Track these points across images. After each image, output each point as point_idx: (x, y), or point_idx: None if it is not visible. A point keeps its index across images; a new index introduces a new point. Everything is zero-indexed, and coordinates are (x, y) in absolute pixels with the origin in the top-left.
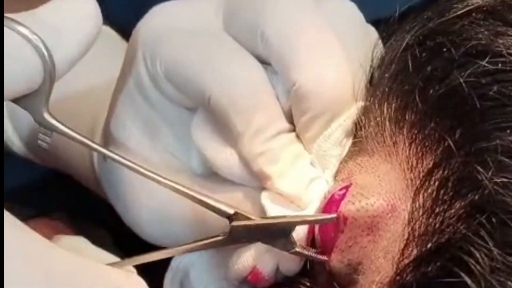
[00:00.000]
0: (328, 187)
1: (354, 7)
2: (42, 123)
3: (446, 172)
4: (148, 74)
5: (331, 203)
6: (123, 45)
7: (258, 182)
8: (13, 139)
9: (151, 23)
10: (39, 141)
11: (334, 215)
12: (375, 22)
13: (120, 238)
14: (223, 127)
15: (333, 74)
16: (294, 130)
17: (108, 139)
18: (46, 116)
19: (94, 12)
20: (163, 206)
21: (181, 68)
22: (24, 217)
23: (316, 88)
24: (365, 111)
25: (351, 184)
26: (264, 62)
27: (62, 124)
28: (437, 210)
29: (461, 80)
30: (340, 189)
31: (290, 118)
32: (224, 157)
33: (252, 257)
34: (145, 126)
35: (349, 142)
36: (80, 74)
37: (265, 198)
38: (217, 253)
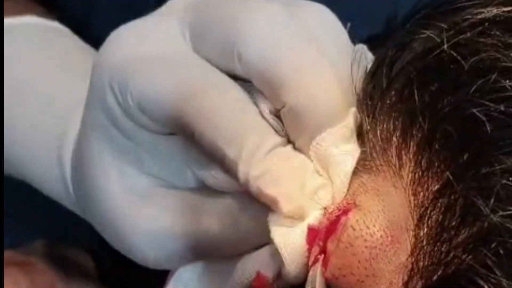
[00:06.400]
0: (332, 199)
1: (328, 12)
2: None
3: (452, 197)
4: (119, 106)
5: (333, 225)
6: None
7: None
8: None
9: (113, 51)
10: None
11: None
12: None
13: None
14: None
15: (323, 91)
16: (288, 141)
17: (86, 176)
18: None
19: None
20: (166, 228)
21: (156, 101)
22: None
23: (308, 108)
24: (371, 126)
25: (354, 206)
26: (239, 79)
27: None
28: (442, 238)
29: (464, 100)
30: (344, 211)
31: (280, 132)
32: (211, 176)
33: (256, 263)
34: (125, 156)
35: (347, 146)
36: (38, 77)
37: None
38: (218, 265)
